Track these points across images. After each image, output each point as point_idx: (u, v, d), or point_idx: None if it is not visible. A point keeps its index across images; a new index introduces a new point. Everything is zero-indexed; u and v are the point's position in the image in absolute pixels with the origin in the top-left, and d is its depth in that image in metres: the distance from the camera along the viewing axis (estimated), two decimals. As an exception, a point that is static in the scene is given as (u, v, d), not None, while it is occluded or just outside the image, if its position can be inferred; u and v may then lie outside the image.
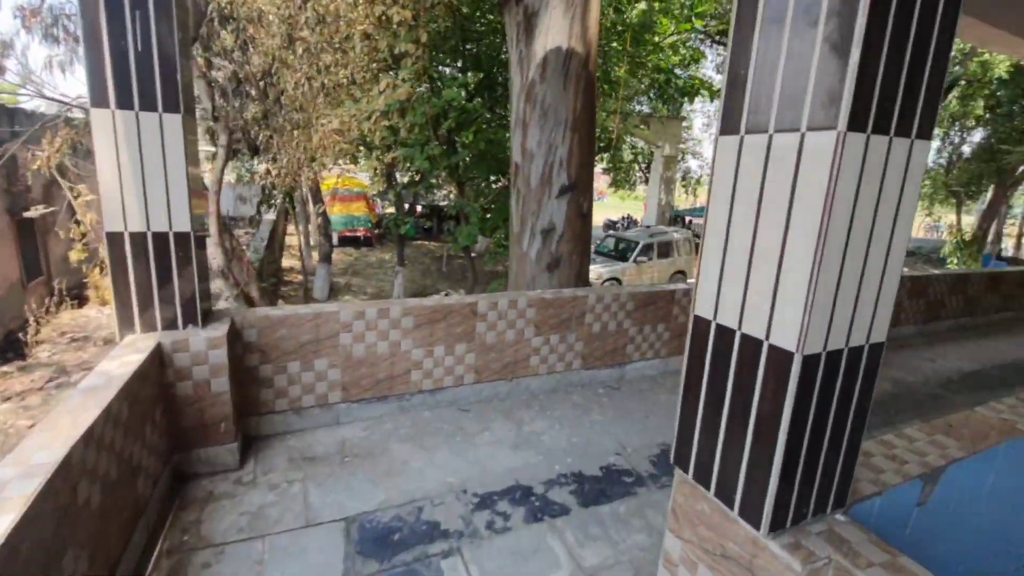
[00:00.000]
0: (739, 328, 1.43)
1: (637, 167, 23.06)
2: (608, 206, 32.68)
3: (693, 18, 8.32)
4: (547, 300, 3.62)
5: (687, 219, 22.95)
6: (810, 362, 1.31)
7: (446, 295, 14.99)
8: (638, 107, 12.87)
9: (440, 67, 8.34)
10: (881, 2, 1.11)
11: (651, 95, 11.26)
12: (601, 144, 10.57)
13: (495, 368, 3.54)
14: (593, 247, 13.93)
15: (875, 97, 1.18)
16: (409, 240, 17.32)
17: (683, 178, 25.16)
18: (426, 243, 19.09)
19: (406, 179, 9.65)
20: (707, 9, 8.66)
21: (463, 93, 7.10)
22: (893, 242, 1.35)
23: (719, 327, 1.49)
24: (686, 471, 1.66)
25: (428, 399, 3.40)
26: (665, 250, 13.03)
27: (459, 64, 8.35)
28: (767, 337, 1.35)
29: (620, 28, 7.60)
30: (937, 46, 1.23)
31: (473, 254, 9.95)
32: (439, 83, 7.71)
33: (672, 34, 8.47)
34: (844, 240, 1.25)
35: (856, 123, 1.17)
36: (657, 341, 4.17)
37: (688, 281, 13.94)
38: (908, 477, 1.87)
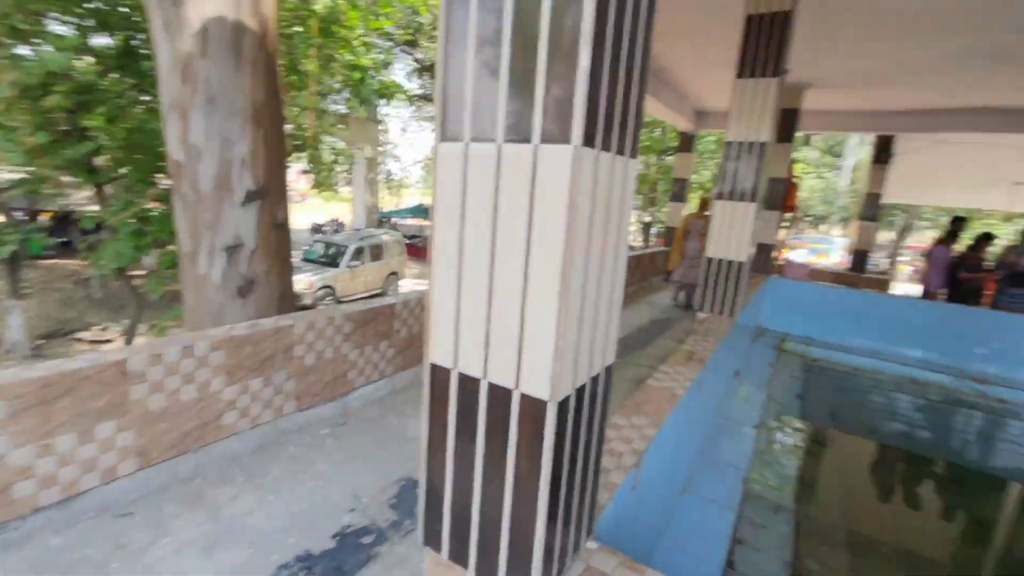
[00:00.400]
0: (484, 376, 1.20)
1: (338, 168, 22.17)
2: (312, 207, 30.59)
3: (381, 16, 8.19)
4: (240, 338, 2.85)
5: (392, 220, 23.33)
6: (563, 406, 1.17)
7: (103, 329, 11.24)
8: (335, 106, 12.24)
9: (43, 20, 5.98)
10: (600, 13, 1.00)
11: (348, 95, 10.80)
12: (297, 143, 9.55)
13: (168, 441, 2.59)
14: (300, 254, 12.63)
15: (600, 112, 1.08)
16: (34, 259, 12.49)
17: (387, 180, 25.45)
18: (64, 262, 14.09)
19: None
20: (391, 12, 8.68)
21: (85, 61, 5.22)
22: (618, 261, 1.32)
23: (462, 377, 1.23)
24: (439, 550, 1.37)
25: (56, 517, 2.24)
26: (377, 253, 12.81)
27: (78, 21, 6.15)
28: (517, 385, 1.15)
29: (304, 13, 6.86)
30: (640, 75, 1.21)
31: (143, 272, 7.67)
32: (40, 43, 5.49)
33: (362, 32, 8.18)
34: (584, 265, 1.13)
35: (587, 139, 1.05)
36: (381, 360, 3.84)
37: (400, 283, 14.07)
38: (627, 469, 2.02)
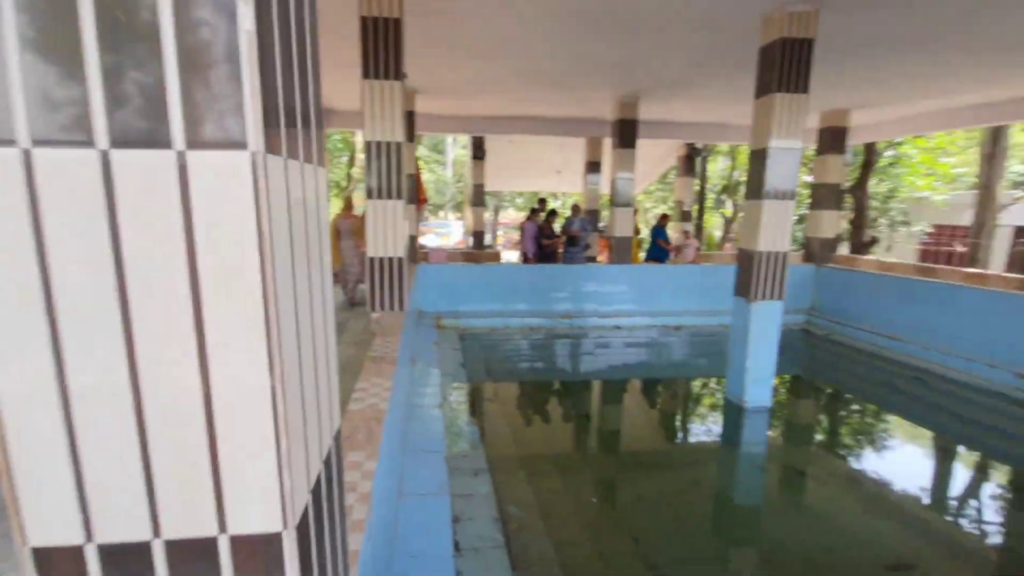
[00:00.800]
0: (156, 535, 0.72)
1: None
2: None
3: None
4: None
5: None
6: (303, 527, 0.81)
7: None
8: None
9: None
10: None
11: None
12: None
13: None
14: None
15: (279, 104, 0.75)
16: None
17: None
18: None
19: None
20: None
21: None
22: (325, 291, 1.01)
23: (109, 551, 0.71)
24: None
25: None
26: None
27: None
28: (223, 529, 0.74)
29: None
30: (314, 57, 0.91)
31: None
32: None
33: None
34: (292, 305, 0.79)
35: (271, 143, 0.71)
36: None
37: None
38: (362, 527, 1.74)
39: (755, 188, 4.92)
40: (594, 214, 11.36)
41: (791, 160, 4.79)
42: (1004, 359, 5.78)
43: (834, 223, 8.91)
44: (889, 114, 8.84)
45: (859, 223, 9.77)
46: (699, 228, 15.49)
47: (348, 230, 6.39)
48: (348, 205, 6.68)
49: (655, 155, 13.72)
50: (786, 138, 4.73)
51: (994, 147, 11.55)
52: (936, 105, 8.09)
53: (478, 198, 11.85)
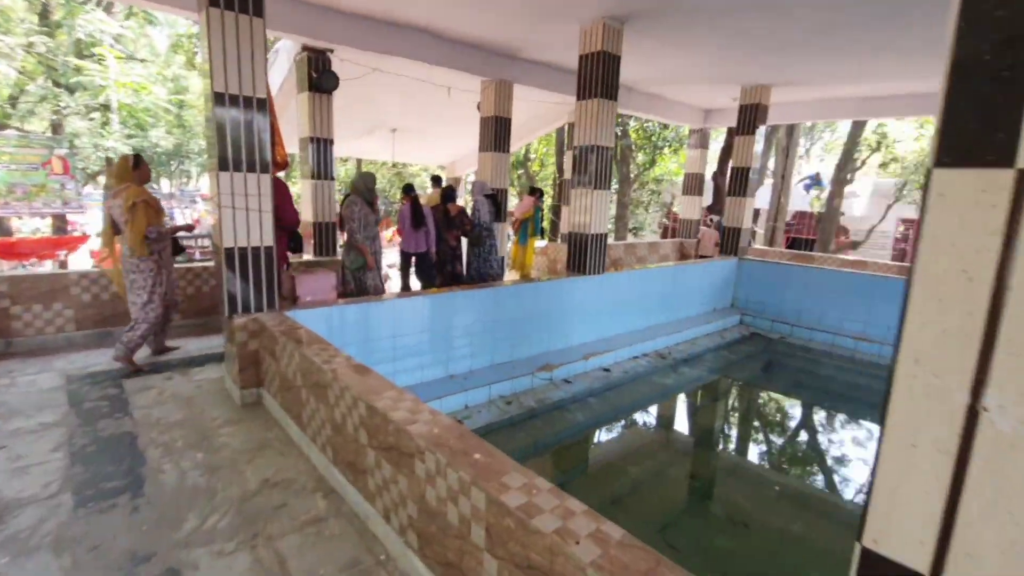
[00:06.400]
0: None
1: None
2: None
3: None
4: None
5: None
6: None
7: None
8: None
9: None
10: None
11: None
12: None
13: None
14: None
15: None
16: None
17: None
18: None
19: None
20: None
21: None
22: None
23: None
24: None
25: None
26: None
27: None
28: None
29: None
30: None
31: None
32: None
33: None
34: None
35: None
36: None
37: None
38: None
39: (587, 178, 5.54)
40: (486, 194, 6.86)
41: (607, 155, 5.60)
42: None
43: (748, 211, 8.36)
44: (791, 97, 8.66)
45: (718, 208, 10.89)
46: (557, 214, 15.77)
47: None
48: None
49: (541, 110, 9.48)
50: (606, 138, 5.50)
51: (788, 140, 13.76)
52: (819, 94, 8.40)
53: (322, 165, 6.24)
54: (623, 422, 5.02)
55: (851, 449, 4.66)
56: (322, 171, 6.21)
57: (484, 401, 4.51)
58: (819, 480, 4.25)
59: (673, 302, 7.07)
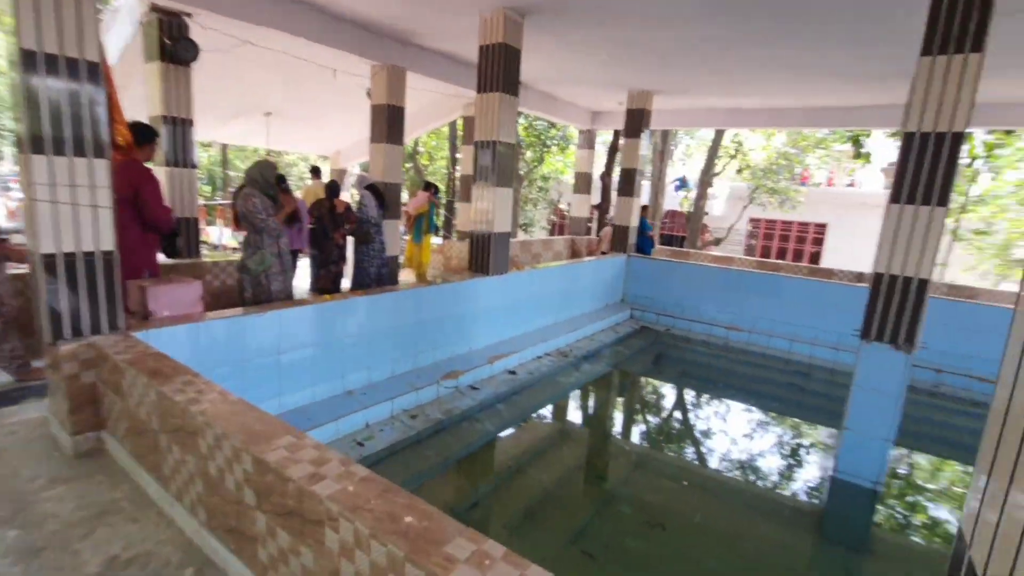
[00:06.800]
0: None
1: None
2: None
3: None
4: None
5: None
6: None
7: None
8: None
9: None
10: None
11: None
12: None
13: None
14: None
15: None
16: None
17: None
18: None
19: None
20: None
21: None
22: None
23: None
24: None
25: None
26: None
27: None
28: None
29: None
30: None
31: None
32: None
33: None
34: None
35: None
36: None
37: None
38: None
39: (491, 175, 5.32)
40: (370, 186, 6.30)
41: (510, 151, 5.42)
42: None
43: (636, 210, 8.66)
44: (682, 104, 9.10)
45: (605, 207, 11.25)
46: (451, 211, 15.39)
47: None
48: None
49: (435, 101, 8.98)
50: (508, 134, 5.30)
51: (664, 145, 14.81)
52: (730, 103, 8.86)
53: (179, 149, 5.22)
54: (532, 427, 4.92)
55: (746, 435, 5.01)
56: (180, 157, 5.28)
57: (387, 417, 4.11)
58: (722, 466, 4.50)
59: (571, 299, 7.16)
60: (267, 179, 4.11)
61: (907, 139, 3.39)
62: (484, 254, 5.45)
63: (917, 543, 3.68)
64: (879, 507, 3.83)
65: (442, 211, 16.65)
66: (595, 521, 3.58)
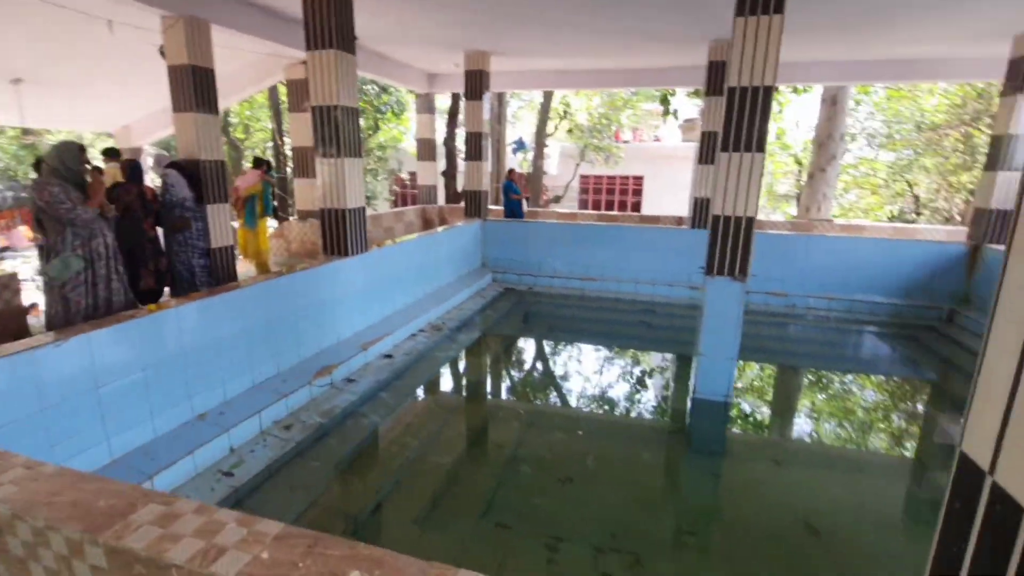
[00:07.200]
0: None
1: None
2: None
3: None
4: None
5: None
6: None
7: None
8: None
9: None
10: None
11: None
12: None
13: None
14: None
15: None
16: None
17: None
18: None
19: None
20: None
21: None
22: None
23: None
24: None
25: None
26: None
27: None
28: None
29: None
30: None
31: None
32: None
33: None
34: None
35: None
36: None
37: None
38: None
39: (335, 145, 4.83)
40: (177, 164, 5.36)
41: (354, 117, 4.99)
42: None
43: (486, 174, 8.63)
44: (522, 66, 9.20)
45: (451, 173, 10.92)
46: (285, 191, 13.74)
47: None
48: None
49: (250, 63, 7.80)
50: (349, 97, 4.86)
51: (500, 106, 14.97)
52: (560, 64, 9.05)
53: None
54: (420, 409, 4.71)
55: (619, 376, 5.43)
56: None
57: (255, 435, 3.56)
58: (603, 409, 4.81)
59: (434, 271, 6.96)
60: (69, 165, 3.21)
61: (731, 93, 3.81)
62: (340, 233, 4.94)
63: (761, 437, 4.40)
64: (731, 415, 4.48)
65: (276, 190, 14.88)
66: (501, 490, 3.57)
